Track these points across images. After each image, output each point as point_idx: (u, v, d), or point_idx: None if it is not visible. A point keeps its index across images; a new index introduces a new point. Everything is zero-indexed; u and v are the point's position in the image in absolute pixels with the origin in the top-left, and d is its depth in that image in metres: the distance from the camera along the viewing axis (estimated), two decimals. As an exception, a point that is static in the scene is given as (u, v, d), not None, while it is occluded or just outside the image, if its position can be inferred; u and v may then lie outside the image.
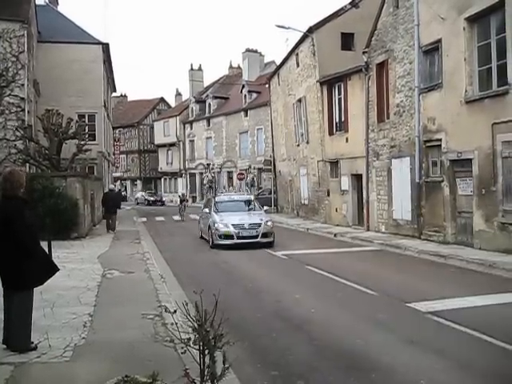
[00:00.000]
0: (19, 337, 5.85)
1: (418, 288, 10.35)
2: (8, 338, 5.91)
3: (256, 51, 52.60)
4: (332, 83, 24.48)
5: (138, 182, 66.03)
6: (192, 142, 56.20)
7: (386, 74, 19.78)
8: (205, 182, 52.67)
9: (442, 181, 16.38)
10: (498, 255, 13.24)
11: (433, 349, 6.52)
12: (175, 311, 5.01)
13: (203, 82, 59.87)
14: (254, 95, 46.54)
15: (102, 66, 32.06)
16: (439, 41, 16.16)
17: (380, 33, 19.85)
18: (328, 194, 25.17)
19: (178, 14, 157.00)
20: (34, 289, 6.07)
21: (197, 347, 4.25)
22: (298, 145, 30.12)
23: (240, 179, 43.44)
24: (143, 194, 59.51)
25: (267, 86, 38.53)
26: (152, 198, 56.13)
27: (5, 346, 5.90)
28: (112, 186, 31.84)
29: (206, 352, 4.23)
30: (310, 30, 26.01)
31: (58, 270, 6.29)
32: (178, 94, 67.26)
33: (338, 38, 25.28)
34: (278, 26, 26.31)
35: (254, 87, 46.93)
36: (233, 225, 17.38)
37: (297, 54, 29.41)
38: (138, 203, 56.35)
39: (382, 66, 20.05)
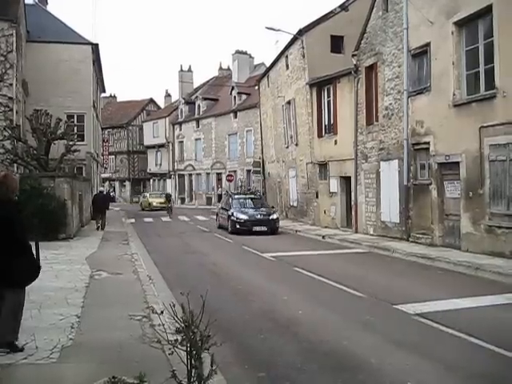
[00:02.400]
0: (7, 331, 5.80)
1: (405, 290, 10.43)
2: None
3: (246, 53, 52.65)
4: (321, 86, 24.56)
5: (127, 183, 65.77)
6: (181, 143, 56.10)
7: (375, 77, 19.87)
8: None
9: (430, 183, 16.48)
10: (484, 257, 13.38)
11: (420, 350, 6.55)
12: (162, 312, 5.01)
13: (193, 83, 59.82)
14: (244, 97, 46.57)
15: (92, 67, 31.92)
16: (428, 44, 16.29)
17: (369, 36, 19.95)
18: (317, 196, 25.24)
19: (168, 14, 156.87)
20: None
21: (184, 348, 4.25)
22: (287, 147, 30.17)
23: (229, 181, 43.39)
24: (234, 200, 25.24)
25: (257, 87, 38.59)
26: (244, 217, 23.12)
27: None
28: (101, 188, 32.62)
29: (194, 353, 4.23)
30: (300, 33, 26.10)
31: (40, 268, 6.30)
32: (168, 95, 67.17)
33: (328, 41, 25.45)
34: (268, 28, 26.36)
35: (243, 89, 46.95)
36: None
37: (286, 57, 29.47)
38: (219, 225, 25.77)
39: (371, 69, 20.14)
